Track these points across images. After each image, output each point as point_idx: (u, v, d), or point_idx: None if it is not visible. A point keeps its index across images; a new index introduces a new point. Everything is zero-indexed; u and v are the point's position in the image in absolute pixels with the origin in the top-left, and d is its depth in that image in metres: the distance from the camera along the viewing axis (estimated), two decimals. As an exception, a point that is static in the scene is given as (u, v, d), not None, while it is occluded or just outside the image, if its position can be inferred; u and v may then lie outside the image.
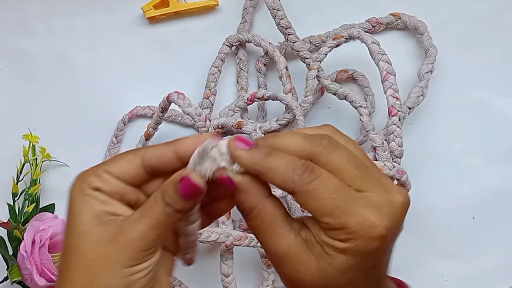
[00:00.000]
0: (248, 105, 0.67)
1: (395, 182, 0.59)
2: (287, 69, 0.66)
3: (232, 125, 0.64)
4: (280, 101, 0.64)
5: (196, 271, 0.67)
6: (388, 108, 0.60)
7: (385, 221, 0.35)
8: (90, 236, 0.37)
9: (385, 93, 0.60)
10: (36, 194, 0.68)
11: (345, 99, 0.62)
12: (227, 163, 0.37)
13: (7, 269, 0.66)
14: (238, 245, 0.61)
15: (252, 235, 0.61)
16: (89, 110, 0.71)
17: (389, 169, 0.57)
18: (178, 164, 0.38)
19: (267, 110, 0.69)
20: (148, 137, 0.67)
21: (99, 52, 0.72)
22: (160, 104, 0.62)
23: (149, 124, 0.66)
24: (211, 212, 0.41)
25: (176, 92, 0.60)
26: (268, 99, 0.65)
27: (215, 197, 0.40)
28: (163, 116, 0.64)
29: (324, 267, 0.36)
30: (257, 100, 0.66)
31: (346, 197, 0.35)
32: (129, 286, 0.37)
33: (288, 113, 0.64)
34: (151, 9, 0.70)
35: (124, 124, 0.70)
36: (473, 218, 0.66)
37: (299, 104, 0.64)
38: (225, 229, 0.61)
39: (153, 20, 0.72)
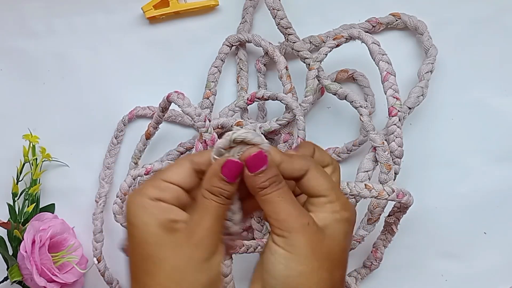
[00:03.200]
0: (248, 105, 0.67)
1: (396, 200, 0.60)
2: (287, 69, 0.66)
3: (232, 125, 0.64)
4: (280, 101, 0.64)
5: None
6: (388, 108, 0.60)
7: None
8: (165, 244, 0.41)
9: (385, 93, 0.60)
10: (36, 194, 0.68)
11: (345, 99, 0.62)
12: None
13: (7, 269, 0.66)
14: (233, 253, 0.62)
15: (249, 242, 0.61)
16: (89, 110, 0.71)
17: (388, 194, 0.57)
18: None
19: (267, 110, 0.69)
20: (148, 136, 0.67)
21: (99, 52, 0.72)
22: (160, 103, 0.62)
23: (150, 123, 0.66)
24: (245, 208, 0.45)
25: (176, 92, 0.60)
26: (268, 99, 0.65)
27: (246, 195, 0.45)
28: (164, 115, 0.64)
29: (333, 232, 0.43)
30: (257, 100, 0.66)
31: (335, 185, 0.45)
32: (211, 281, 0.42)
33: (288, 113, 0.64)
34: (151, 9, 0.70)
35: (124, 125, 0.70)
36: (484, 233, 0.67)
37: (299, 104, 0.64)
38: None
39: (153, 20, 0.72)
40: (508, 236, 0.66)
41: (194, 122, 0.59)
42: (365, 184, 0.57)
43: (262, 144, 0.43)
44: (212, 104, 0.67)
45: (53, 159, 0.70)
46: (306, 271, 0.42)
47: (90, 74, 0.72)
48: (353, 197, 0.58)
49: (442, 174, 0.67)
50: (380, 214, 0.60)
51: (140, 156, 0.68)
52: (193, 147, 0.67)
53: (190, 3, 0.71)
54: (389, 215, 0.62)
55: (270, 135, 0.66)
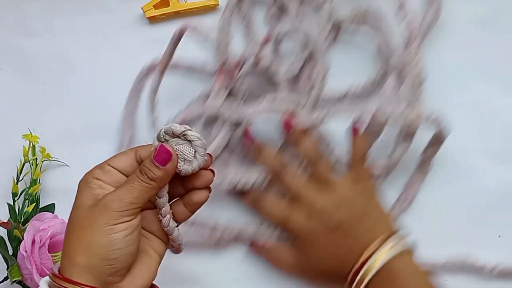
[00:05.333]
0: (264, 45, 0.66)
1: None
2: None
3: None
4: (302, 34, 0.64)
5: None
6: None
7: None
8: (82, 207, 0.49)
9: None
10: (36, 194, 0.68)
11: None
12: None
13: (7, 269, 0.66)
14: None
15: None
16: (89, 110, 0.71)
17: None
18: None
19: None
20: (164, 68, 0.66)
21: (99, 52, 0.72)
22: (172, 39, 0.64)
23: (162, 58, 0.66)
24: (190, 202, 0.51)
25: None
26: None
27: (191, 188, 0.51)
28: (175, 48, 0.65)
29: None
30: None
31: None
32: (111, 244, 0.47)
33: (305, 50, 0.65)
34: (151, 9, 0.70)
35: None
36: (484, 233, 0.66)
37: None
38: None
39: (153, 20, 0.72)
40: (508, 236, 0.66)
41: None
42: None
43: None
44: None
45: (53, 159, 0.70)
46: None
47: (90, 74, 0.72)
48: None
49: (442, 174, 0.67)
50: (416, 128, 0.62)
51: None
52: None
53: (190, 3, 0.71)
54: (425, 150, 0.64)
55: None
